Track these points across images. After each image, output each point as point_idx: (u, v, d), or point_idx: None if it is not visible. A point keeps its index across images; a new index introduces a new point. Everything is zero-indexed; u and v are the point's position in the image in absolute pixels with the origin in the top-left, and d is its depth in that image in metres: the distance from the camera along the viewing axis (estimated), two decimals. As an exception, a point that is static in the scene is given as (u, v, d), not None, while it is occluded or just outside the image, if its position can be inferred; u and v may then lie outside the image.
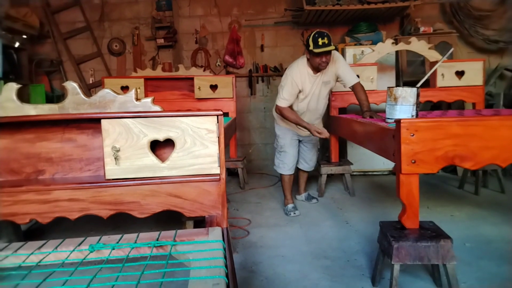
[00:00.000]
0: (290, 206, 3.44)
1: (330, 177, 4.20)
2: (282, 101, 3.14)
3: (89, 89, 5.29)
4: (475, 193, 3.71)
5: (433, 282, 2.07)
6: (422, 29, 4.80)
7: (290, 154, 3.45)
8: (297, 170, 3.66)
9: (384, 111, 2.38)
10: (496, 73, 5.07)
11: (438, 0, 5.17)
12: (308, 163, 3.66)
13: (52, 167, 1.39)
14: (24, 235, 2.82)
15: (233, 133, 4.30)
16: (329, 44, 2.93)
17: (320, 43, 2.92)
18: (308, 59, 3.12)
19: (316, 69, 3.12)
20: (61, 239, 1.23)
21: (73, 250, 1.14)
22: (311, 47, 2.96)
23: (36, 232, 3.00)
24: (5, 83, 1.27)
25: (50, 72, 5.23)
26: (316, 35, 2.95)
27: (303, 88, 3.17)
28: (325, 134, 3.07)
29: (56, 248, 1.15)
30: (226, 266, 1.01)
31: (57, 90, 5.19)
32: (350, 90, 3.30)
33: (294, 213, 3.36)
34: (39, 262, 1.08)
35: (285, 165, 3.47)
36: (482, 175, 3.80)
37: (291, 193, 3.54)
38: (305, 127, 3.13)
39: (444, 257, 1.74)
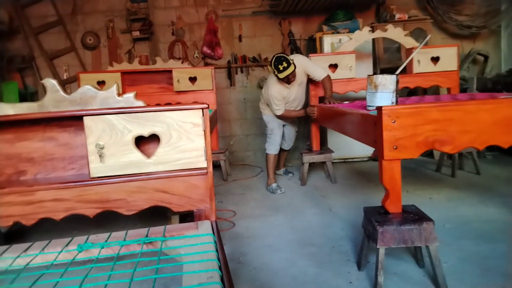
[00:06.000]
0: (274, 185, 3.81)
1: (312, 165, 4.24)
2: (278, 111, 3.73)
3: (63, 85, 5.15)
4: (452, 176, 3.83)
5: (416, 263, 2.13)
6: (397, 16, 4.86)
7: (277, 135, 3.95)
8: (280, 150, 4.12)
9: (362, 99, 2.42)
10: (469, 58, 5.21)
11: (412, -13, 5.24)
12: (288, 143, 4.20)
13: (33, 167, 1.35)
14: (4, 237, 2.75)
15: (214, 125, 4.28)
16: (288, 66, 3.39)
17: (281, 68, 3.40)
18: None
19: (288, 83, 3.62)
20: (44, 240, 1.20)
21: (61, 251, 1.12)
22: (276, 73, 3.45)
23: (17, 234, 2.93)
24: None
25: (22, 68, 5.06)
26: (276, 63, 3.41)
27: (285, 96, 3.71)
28: (312, 109, 3.63)
29: (43, 250, 1.13)
30: (218, 259, 1.02)
31: (30, 87, 5.04)
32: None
33: (281, 191, 3.73)
34: (27, 265, 1.06)
35: (272, 145, 3.94)
36: (458, 157, 3.91)
37: (274, 173, 3.96)
38: (302, 114, 3.78)
39: (427, 239, 1.79)
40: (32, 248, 1.15)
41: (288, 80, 3.53)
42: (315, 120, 3.71)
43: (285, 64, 3.38)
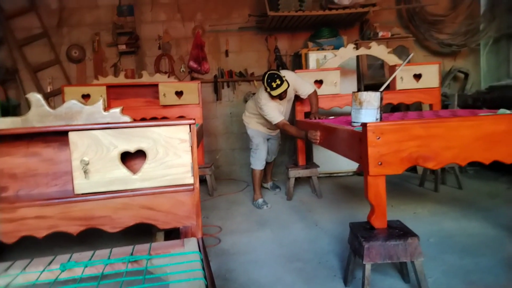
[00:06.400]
0: (260, 200, 3.81)
1: (298, 180, 4.26)
2: (277, 118, 3.51)
3: (47, 98, 5.08)
4: (435, 190, 3.88)
5: (401, 278, 2.14)
6: (380, 33, 4.98)
7: (263, 150, 3.91)
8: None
9: (347, 114, 2.46)
10: (450, 75, 5.35)
11: (395, 6, 5.39)
12: (271, 155, 4.20)
13: (16, 183, 1.32)
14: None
15: (200, 140, 4.27)
16: (281, 83, 3.33)
17: (274, 85, 3.33)
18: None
19: (280, 99, 3.59)
20: (25, 258, 1.17)
21: (43, 271, 1.09)
22: (269, 90, 3.37)
23: (-5, 251, 2.83)
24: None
25: (5, 81, 4.97)
26: (269, 80, 3.34)
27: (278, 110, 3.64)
28: (315, 134, 3.00)
29: (24, 269, 1.10)
30: (205, 278, 1.00)
31: (13, 100, 4.95)
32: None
33: (267, 206, 3.72)
34: (8, 285, 1.02)
35: (258, 161, 3.89)
36: (440, 172, 3.98)
37: (260, 188, 3.95)
38: (302, 136, 3.32)
39: (412, 254, 1.80)
40: (13, 267, 1.12)
41: (281, 97, 3.51)
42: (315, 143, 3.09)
43: (278, 82, 3.32)
